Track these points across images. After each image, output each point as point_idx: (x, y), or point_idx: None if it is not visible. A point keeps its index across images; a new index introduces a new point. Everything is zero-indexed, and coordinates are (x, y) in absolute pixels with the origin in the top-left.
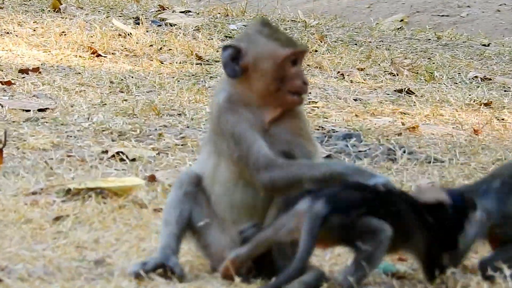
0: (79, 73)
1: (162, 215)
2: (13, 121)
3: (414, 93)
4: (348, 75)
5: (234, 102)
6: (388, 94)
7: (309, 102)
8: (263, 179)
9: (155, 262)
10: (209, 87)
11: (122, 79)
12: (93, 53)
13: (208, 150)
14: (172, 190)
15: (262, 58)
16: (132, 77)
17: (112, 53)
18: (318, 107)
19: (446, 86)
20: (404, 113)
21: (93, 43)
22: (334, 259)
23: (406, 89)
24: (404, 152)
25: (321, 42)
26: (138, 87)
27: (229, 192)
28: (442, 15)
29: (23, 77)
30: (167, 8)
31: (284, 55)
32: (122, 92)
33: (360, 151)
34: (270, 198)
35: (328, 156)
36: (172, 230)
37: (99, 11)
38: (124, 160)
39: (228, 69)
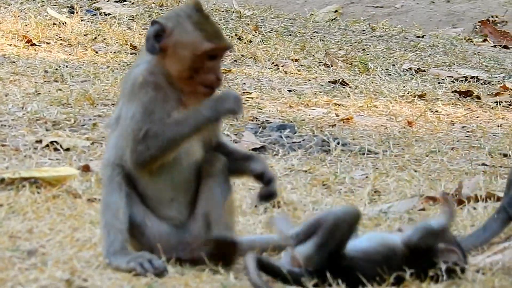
0: (13, 62)
1: (103, 217)
2: None
3: (348, 85)
4: (282, 66)
5: (155, 76)
6: (322, 85)
7: (244, 92)
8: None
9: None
10: None
11: (56, 69)
12: (27, 42)
13: (119, 133)
14: (109, 191)
15: (183, 44)
16: (67, 67)
17: (47, 42)
18: (252, 98)
19: (380, 77)
20: (338, 105)
21: (27, 32)
22: None
23: (340, 80)
24: (338, 143)
25: (256, 32)
26: (73, 76)
27: (158, 172)
28: (377, 6)
29: None
30: None
31: (204, 49)
32: (56, 81)
33: (294, 142)
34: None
35: (262, 148)
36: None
37: (33, 0)
38: (58, 149)
39: (148, 44)
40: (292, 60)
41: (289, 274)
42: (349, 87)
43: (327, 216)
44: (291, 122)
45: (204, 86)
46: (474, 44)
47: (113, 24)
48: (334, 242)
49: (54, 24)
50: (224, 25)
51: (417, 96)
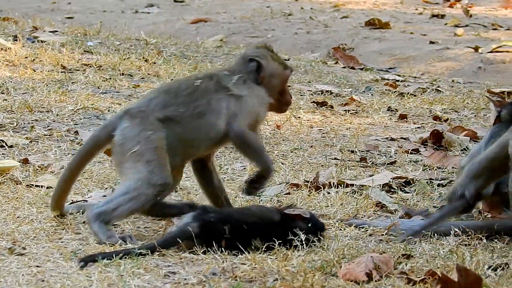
0: None
1: None
2: None
3: None
4: None
5: None
6: None
7: None
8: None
9: None
10: (71, 90)
11: (3, 83)
12: None
13: None
14: None
15: (274, 75)
16: (11, 82)
17: None
18: None
19: None
20: None
21: None
22: None
23: None
24: None
25: (159, 56)
26: (16, 89)
27: None
28: (253, 36)
29: None
30: (39, 28)
31: (288, 75)
32: (3, 93)
33: None
34: None
35: None
36: None
37: None
38: (4, 146)
39: (253, 77)
40: None
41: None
42: None
43: None
44: None
45: (284, 105)
46: (328, 65)
47: (47, 49)
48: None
49: (2, 49)
50: (134, 50)
51: None
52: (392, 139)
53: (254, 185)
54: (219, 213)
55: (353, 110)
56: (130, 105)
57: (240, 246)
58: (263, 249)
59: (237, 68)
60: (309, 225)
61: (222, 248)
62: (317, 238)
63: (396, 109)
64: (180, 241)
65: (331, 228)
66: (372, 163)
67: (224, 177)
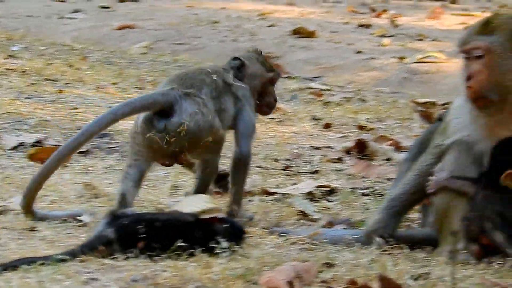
0: None
1: None
2: None
3: None
4: (103, 88)
5: None
6: None
7: (72, 108)
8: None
9: None
10: None
11: None
12: None
13: None
14: None
15: (254, 75)
16: None
17: None
18: (79, 113)
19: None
20: None
21: None
22: None
23: None
24: None
25: (84, 62)
26: None
27: None
28: (178, 43)
29: None
30: None
31: (269, 77)
32: None
33: (111, 147)
34: None
35: (87, 151)
36: None
37: None
38: None
39: (234, 74)
40: (112, 83)
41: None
42: None
43: None
44: (111, 131)
45: (265, 107)
46: None
47: None
48: None
49: None
50: (59, 55)
51: None
52: (316, 148)
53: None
54: (132, 216)
55: (278, 118)
56: (182, 88)
57: (156, 247)
58: (185, 256)
59: (225, 66)
60: (227, 226)
61: (144, 255)
62: (235, 242)
63: (320, 118)
64: (98, 247)
65: (253, 236)
66: (296, 172)
67: (147, 184)
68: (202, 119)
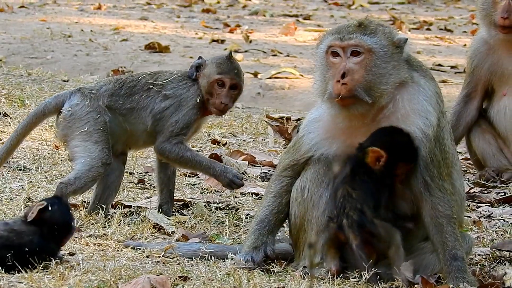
0: None
1: None
2: None
3: (10, 116)
4: None
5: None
6: None
7: None
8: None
9: None
10: None
11: None
12: None
13: None
14: None
15: (206, 75)
16: None
17: None
18: None
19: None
20: (1, 131)
21: None
22: None
23: (3, 113)
24: None
25: None
26: None
27: None
28: (32, 57)
29: None
30: None
31: (217, 79)
32: None
33: None
34: None
35: None
36: None
37: None
38: None
39: (190, 71)
40: None
41: None
42: (10, 118)
43: None
44: None
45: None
46: None
47: None
48: None
49: None
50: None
51: None
52: None
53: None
54: None
55: None
56: (83, 84)
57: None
58: (40, 268)
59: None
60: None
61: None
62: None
63: None
64: None
65: (108, 249)
66: (150, 185)
67: (2, 196)
68: (80, 111)
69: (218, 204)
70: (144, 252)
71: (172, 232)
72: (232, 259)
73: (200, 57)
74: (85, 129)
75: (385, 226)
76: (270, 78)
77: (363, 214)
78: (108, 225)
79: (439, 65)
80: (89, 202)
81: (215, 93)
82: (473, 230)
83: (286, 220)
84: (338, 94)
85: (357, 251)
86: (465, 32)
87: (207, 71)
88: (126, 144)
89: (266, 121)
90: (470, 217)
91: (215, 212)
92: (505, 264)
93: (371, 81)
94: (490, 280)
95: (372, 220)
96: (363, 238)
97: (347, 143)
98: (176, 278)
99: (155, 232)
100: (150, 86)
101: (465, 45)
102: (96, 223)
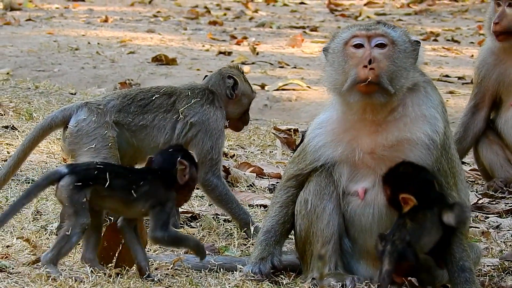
0: None
1: None
2: None
3: (17, 129)
4: None
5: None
6: None
7: None
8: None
9: None
10: None
11: None
12: None
13: None
14: None
15: (244, 95)
16: None
17: None
18: None
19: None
20: (9, 144)
21: None
22: None
23: (11, 125)
24: None
25: None
26: None
27: None
28: (39, 70)
29: None
30: None
31: (254, 97)
32: None
33: None
34: None
35: None
36: None
37: None
38: None
39: (228, 92)
40: None
41: None
42: (18, 131)
43: None
44: None
45: (242, 123)
46: None
47: None
48: None
49: None
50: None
51: None
52: None
53: None
54: None
55: None
56: (90, 99)
57: None
58: (50, 280)
59: (212, 84)
60: None
61: None
62: None
63: None
64: None
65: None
66: None
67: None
68: (87, 126)
69: (226, 216)
70: (153, 264)
71: None
72: (240, 270)
73: (230, 76)
74: (93, 146)
75: (429, 261)
76: (277, 90)
77: (409, 246)
78: None
79: (446, 76)
80: None
81: (247, 110)
82: (481, 241)
83: (292, 232)
84: (365, 78)
85: (383, 274)
86: (472, 43)
87: (244, 90)
88: (133, 159)
89: (273, 133)
90: (479, 227)
91: (223, 224)
92: None
93: (394, 71)
94: None
95: (415, 253)
96: (397, 267)
97: (352, 145)
98: None
99: None
100: (169, 108)
101: (472, 56)
102: None
